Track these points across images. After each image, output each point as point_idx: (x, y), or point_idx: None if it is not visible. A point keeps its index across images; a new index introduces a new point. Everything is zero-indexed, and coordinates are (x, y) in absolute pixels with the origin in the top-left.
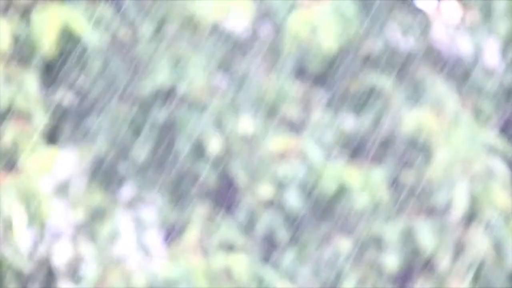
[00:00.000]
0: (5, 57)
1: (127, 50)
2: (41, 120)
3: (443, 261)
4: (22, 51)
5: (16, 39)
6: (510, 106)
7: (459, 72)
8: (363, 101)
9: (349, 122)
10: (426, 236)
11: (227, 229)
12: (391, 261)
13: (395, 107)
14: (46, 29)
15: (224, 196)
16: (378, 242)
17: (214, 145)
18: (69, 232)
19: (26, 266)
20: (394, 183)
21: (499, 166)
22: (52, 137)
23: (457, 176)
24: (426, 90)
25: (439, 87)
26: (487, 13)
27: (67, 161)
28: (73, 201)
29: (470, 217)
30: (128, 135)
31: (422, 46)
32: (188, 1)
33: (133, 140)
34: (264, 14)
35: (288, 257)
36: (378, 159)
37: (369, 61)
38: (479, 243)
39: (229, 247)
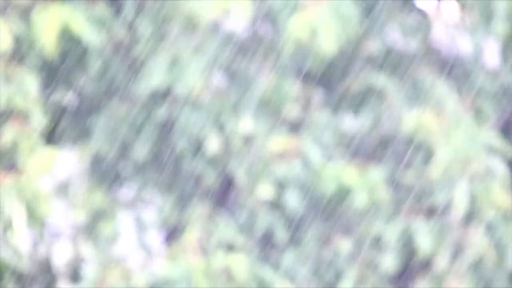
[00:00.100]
0: (5, 57)
1: (127, 50)
2: (40, 120)
3: (443, 261)
4: (22, 51)
5: (16, 39)
6: (510, 106)
7: (459, 72)
8: (363, 101)
9: (349, 122)
10: (425, 237)
11: (227, 229)
12: (390, 261)
13: (395, 107)
14: (46, 29)
15: (224, 196)
16: (377, 242)
17: (213, 145)
18: (69, 232)
19: (26, 266)
20: (394, 183)
21: (499, 166)
22: (51, 137)
23: (457, 176)
24: (426, 90)
25: (439, 87)
26: (487, 13)
27: (67, 161)
28: (73, 201)
29: (470, 217)
30: (128, 135)
31: (422, 46)
32: (188, 1)
33: (133, 140)
34: (263, 14)
35: (287, 257)
36: (377, 159)
37: (369, 61)
38: (479, 243)
39: (229, 247)
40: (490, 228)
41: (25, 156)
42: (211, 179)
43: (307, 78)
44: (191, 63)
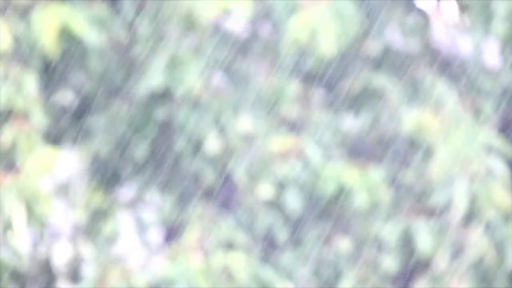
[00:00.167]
0: (4, 57)
1: (126, 50)
2: (40, 120)
3: (442, 261)
4: (22, 51)
5: (15, 39)
6: (510, 106)
7: (459, 72)
8: (363, 101)
9: (349, 122)
10: (425, 238)
11: (227, 229)
12: (390, 261)
13: (395, 107)
14: (45, 29)
15: (224, 196)
16: (377, 242)
17: (213, 145)
18: (69, 232)
19: (25, 266)
20: (394, 183)
21: (499, 166)
22: (51, 137)
23: (457, 176)
24: (426, 90)
25: (439, 87)
26: (487, 13)
27: (67, 161)
28: (73, 201)
29: (470, 217)
30: (128, 135)
31: (422, 46)
32: (187, 1)
33: (133, 140)
34: (263, 14)
35: (287, 257)
36: (377, 159)
37: (369, 61)
38: (479, 243)
39: (229, 247)
40: (490, 228)
41: (25, 156)
42: (211, 179)
43: (307, 78)
44: (190, 63)
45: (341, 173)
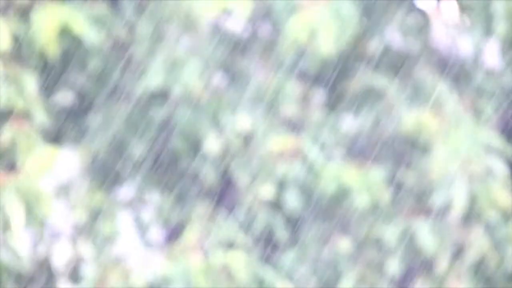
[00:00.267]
0: (4, 57)
1: (126, 50)
2: (40, 120)
3: (443, 262)
4: (22, 51)
5: (15, 39)
6: (510, 106)
7: (459, 72)
8: (363, 101)
9: (349, 122)
10: (426, 237)
11: (227, 229)
12: (390, 261)
13: (395, 107)
14: (45, 29)
15: (224, 195)
16: (377, 242)
17: (213, 145)
18: (69, 232)
19: (25, 266)
20: (394, 183)
21: (499, 166)
22: (51, 136)
23: (457, 176)
24: (426, 90)
25: (439, 87)
26: (487, 13)
27: (67, 161)
28: (73, 201)
29: (470, 217)
30: (128, 134)
31: (422, 46)
32: (187, 1)
33: (133, 139)
34: (263, 14)
35: (287, 257)
36: (377, 159)
37: (368, 61)
38: (479, 243)
39: (229, 247)
40: (490, 228)
41: (25, 156)
42: (211, 178)
43: (307, 78)
44: (190, 63)
45: (341, 173)
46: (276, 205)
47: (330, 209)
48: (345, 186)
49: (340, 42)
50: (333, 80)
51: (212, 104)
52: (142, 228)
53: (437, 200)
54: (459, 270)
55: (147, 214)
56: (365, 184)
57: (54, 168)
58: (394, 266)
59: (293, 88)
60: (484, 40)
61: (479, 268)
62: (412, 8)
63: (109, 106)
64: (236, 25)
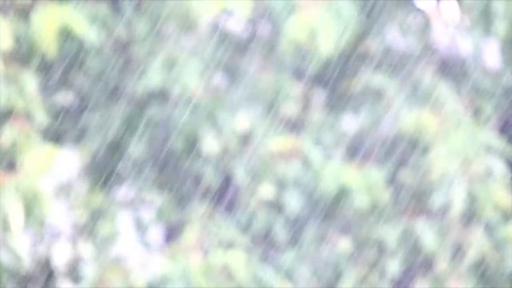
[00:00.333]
0: (4, 57)
1: (126, 50)
2: (40, 119)
3: (443, 262)
4: (22, 51)
5: (15, 39)
6: (510, 106)
7: (459, 72)
8: (363, 101)
9: (348, 122)
10: (427, 237)
11: (227, 229)
12: (390, 262)
13: (395, 107)
14: (45, 29)
15: (224, 195)
16: (377, 243)
17: (213, 145)
18: (69, 232)
19: (25, 266)
20: (394, 183)
21: (499, 166)
22: (51, 136)
23: (457, 176)
24: (426, 90)
25: (439, 87)
26: (486, 13)
27: (67, 161)
28: (73, 201)
29: (470, 217)
30: (127, 134)
31: (422, 46)
32: (186, 0)
33: (133, 139)
34: (262, 14)
35: (287, 257)
36: (377, 159)
37: (368, 61)
38: (479, 243)
39: (229, 247)
40: (490, 228)
41: (25, 156)
42: (210, 178)
43: (307, 78)
44: (190, 63)
45: (341, 173)
46: (276, 205)
47: (330, 209)
48: (345, 186)
49: (340, 42)
50: (333, 80)
51: (212, 104)
52: (141, 228)
53: (436, 200)
54: (459, 270)
55: (147, 214)
56: (365, 184)
57: (54, 168)
58: (394, 266)
59: (293, 88)
60: (484, 40)
61: (479, 268)
62: (412, 8)
63: (109, 106)
64: (236, 25)
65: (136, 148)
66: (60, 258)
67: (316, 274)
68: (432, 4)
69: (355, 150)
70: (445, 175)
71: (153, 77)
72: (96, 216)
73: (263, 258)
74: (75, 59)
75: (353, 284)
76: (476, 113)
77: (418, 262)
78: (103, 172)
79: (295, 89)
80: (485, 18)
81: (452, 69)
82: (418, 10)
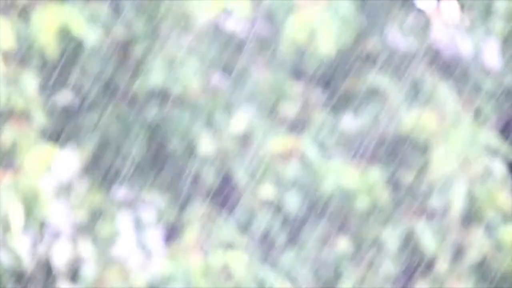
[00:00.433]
0: (4, 57)
1: (125, 49)
2: (40, 120)
3: (443, 262)
4: (21, 51)
5: (15, 39)
6: (510, 106)
7: (459, 72)
8: (363, 101)
9: (348, 122)
10: (427, 238)
11: (227, 229)
12: (391, 262)
13: (394, 107)
14: (45, 29)
15: (224, 196)
16: (377, 243)
17: (212, 145)
18: (69, 232)
19: (25, 266)
20: (394, 184)
21: (499, 167)
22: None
23: (456, 177)
24: (426, 90)
25: (439, 87)
26: (486, 13)
27: (67, 161)
28: (73, 201)
29: (470, 218)
30: (127, 134)
31: (422, 46)
32: (186, 1)
33: (133, 139)
34: (261, 14)
35: (287, 257)
36: (377, 159)
37: (368, 61)
38: (479, 244)
39: (229, 247)
40: (490, 229)
41: (25, 156)
42: (210, 178)
43: (307, 78)
44: (189, 63)
45: (340, 173)
46: (276, 205)
47: (330, 209)
48: (345, 186)
49: (340, 41)
50: (333, 80)
51: (211, 104)
52: (141, 228)
53: (436, 200)
54: (459, 270)
55: (147, 214)
56: (365, 184)
57: (53, 168)
58: (394, 267)
59: (292, 88)
60: (484, 40)
61: (479, 269)
62: (412, 8)
63: (109, 106)
64: (235, 24)
65: (136, 148)
66: (60, 258)
67: (316, 274)
68: (432, 4)
69: (355, 150)
70: (445, 175)
71: (153, 77)
72: (96, 216)
73: (263, 258)
74: (75, 59)
75: (353, 284)
76: (476, 113)
77: (418, 263)
78: (103, 172)
79: (295, 89)
80: (485, 18)
81: (452, 69)
82: (418, 10)
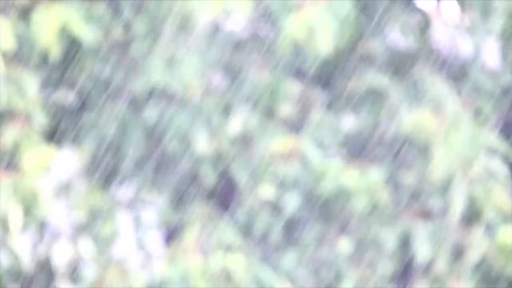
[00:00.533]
0: (5, 57)
1: (125, 49)
2: (40, 120)
3: (442, 264)
4: (22, 51)
5: (16, 39)
6: (510, 106)
7: (459, 72)
8: (362, 101)
9: (348, 122)
10: (423, 242)
11: (226, 230)
12: (390, 262)
13: (394, 107)
14: (46, 29)
15: (224, 196)
16: (377, 243)
17: (212, 145)
18: (69, 232)
19: (25, 266)
20: (393, 184)
21: (499, 167)
22: (51, 136)
23: (456, 177)
24: (426, 90)
25: (439, 87)
26: (486, 13)
27: (67, 161)
28: (73, 201)
29: (470, 219)
30: (127, 134)
31: (422, 46)
32: (185, 0)
33: (133, 140)
34: (261, 14)
35: (287, 258)
36: (377, 159)
37: (368, 61)
38: (479, 244)
39: (228, 248)
40: (490, 230)
41: (25, 156)
42: (210, 179)
43: (307, 78)
44: (189, 62)
45: (340, 173)
46: (275, 206)
47: (330, 210)
48: (345, 186)
49: (339, 41)
50: (332, 80)
51: (211, 104)
52: (141, 229)
53: (436, 201)
54: (459, 271)
55: (147, 215)
56: (365, 184)
57: (53, 168)
58: (394, 267)
59: (292, 88)
60: (484, 40)
61: (479, 269)
62: (412, 8)
63: (109, 106)
64: (235, 24)
65: (136, 148)
66: (60, 258)
67: (315, 275)
68: (432, 4)
69: (355, 151)
70: (445, 175)
71: (153, 77)
72: (96, 216)
73: (263, 259)
74: (75, 59)
75: (352, 284)
76: (476, 113)
77: (418, 263)
78: (103, 172)
79: (295, 89)
80: (485, 18)
81: (452, 69)
82: (418, 10)
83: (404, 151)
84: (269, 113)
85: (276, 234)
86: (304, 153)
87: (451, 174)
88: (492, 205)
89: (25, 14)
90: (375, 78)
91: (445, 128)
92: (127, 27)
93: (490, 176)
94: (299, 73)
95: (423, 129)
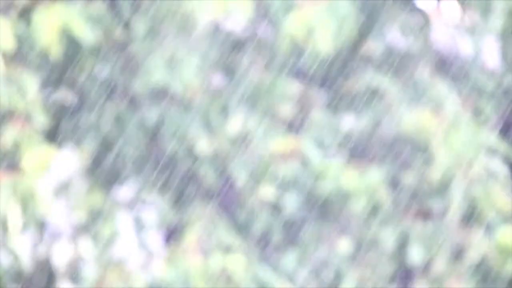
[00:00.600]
0: (5, 57)
1: (125, 49)
2: (40, 120)
3: (441, 264)
4: (22, 51)
5: (16, 39)
6: (510, 107)
7: (459, 72)
8: (362, 101)
9: (348, 122)
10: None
11: (226, 230)
12: (390, 262)
13: (394, 107)
14: (46, 29)
15: (224, 197)
16: (376, 244)
17: (212, 146)
18: (69, 232)
19: (25, 266)
20: (393, 184)
21: (499, 167)
22: (51, 136)
23: (456, 177)
24: (426, 90)
25: (439, 87)
26: (486, 12)
27: (67, 161)
28: (72, 201)
29: (470, 219)
30: (128, 134)
31: (422, 46)
32: (186, 1)
33: (133, 140)
34: (261, 14)
35: (287, 258)
36: (377, 159)
37: (368, 61)
38: (479, 244)
39: (228, 248)
40: (490, 230)
41: (25, 156)
42: (210, 180)
43: (307, 78)
44: (189, 62)
45: (340, 173)
46: (275, 206)
47: (330, 210)
48: (345, 186)
49: (339, 41)
50: (332, 80)
51: (211, 104)
52: (141, 229)
53: (436, 201)
54: (459, 271)
55: (147, 215)
56: (365, 184)
57: (53, 167)
58: (393, 267)
59: (292, 88)
60: (484, 40)
61: (479, 270)
62: (412, 8)
63: (108, 106)
64: (235, 24)
65: (136, 148)
66: (60, 258)
67: (315, 275)
68: (432, 4)
69: (355, 151)
70: (444, 175)
71: (153, 77)
72: (96, 216)
73: (263, 259)
74: (75, 59)
75: (352, 284)
76: (476, 113)
77: (418, 263)
78: (103, 172)
79: (295, 89)
80: (485, 18)
81: (452, 69)
82: (418, 10)
83: (404, 151)
84: (269, 113)
85: (276, 234)
86: (304, 153)
87: (451, 174)
88: (492, 205)
89: (25, 14)
90: (375, 78)
91: (445, 128)
92: (127, 27)
93: (490, 176)
94: (299, 73)
95: (423, 129)
